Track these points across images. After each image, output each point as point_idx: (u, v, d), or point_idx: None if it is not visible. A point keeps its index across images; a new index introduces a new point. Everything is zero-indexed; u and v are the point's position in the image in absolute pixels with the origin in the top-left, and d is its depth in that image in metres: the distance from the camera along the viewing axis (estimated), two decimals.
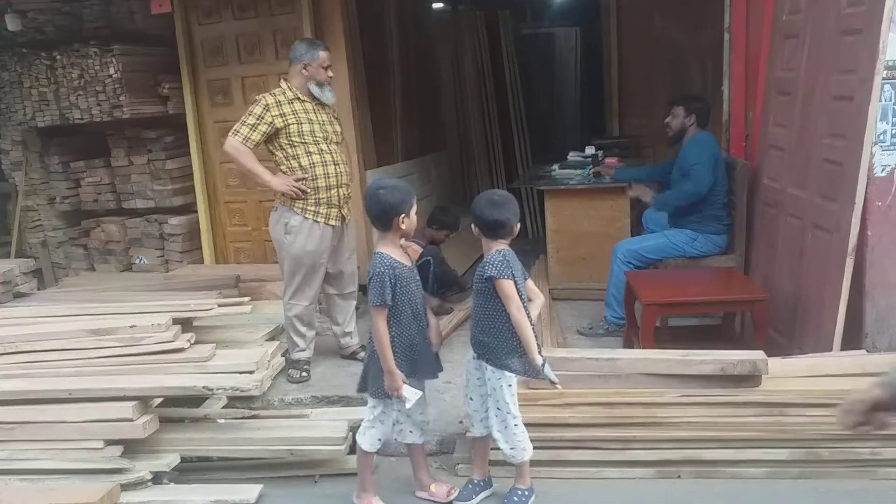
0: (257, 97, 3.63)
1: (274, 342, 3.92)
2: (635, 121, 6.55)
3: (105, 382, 2.96)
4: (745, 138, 4.27)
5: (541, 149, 7.43)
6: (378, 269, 2.49)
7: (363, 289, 4.96)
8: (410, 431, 2.67)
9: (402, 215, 2.53)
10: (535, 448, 2.62)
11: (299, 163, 3.60)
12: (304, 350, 3.80)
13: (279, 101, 3.58)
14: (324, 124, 3.71)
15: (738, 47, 4.24)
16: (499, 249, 2.53)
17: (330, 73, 3.73)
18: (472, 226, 2.60)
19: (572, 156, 5.47)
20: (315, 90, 3.67)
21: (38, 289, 4.88)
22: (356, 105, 5.05)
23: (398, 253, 2.59)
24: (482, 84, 7.42)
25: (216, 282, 4.66)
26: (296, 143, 3.58)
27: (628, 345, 3.65)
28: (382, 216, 2.54)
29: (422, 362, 2.61)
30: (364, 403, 3.12)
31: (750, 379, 2.78)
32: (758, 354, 2.79)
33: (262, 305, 4.46)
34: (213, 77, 5.21)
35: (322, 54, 3.68)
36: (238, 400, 3.41)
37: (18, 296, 4.27)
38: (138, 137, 5.41)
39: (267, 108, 3.54)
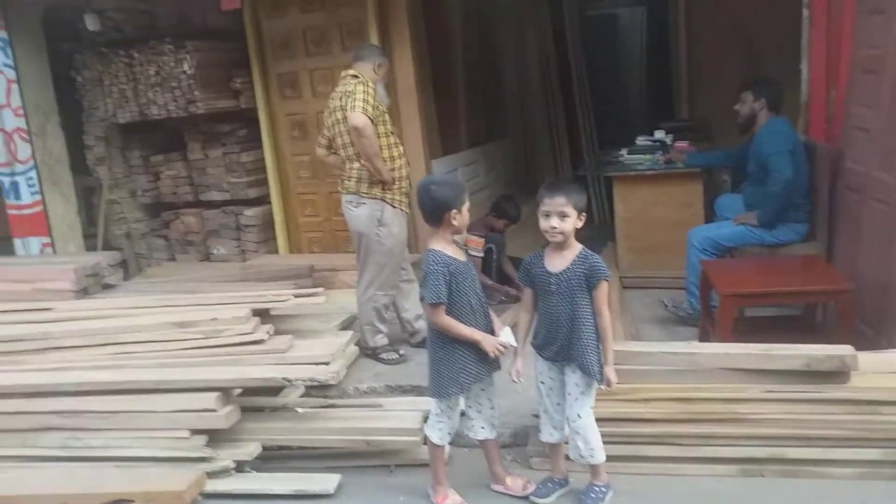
0: (360, 80, 3.68)
1: (348, 332, 3.99)
2: (706, 102, 6.33)
3: (190, 374, 3.08)
4: (826, 120, 4.08)
5: (606, 133, 7.28)
6: (432, 267, 2.48)
7: None
8: (482, 427, 2.68)
9: (454, 210, 2.51)
10: (611, 443, 2.60)
11: (390, 152, 3.72)
12: (385, 334, 3.90)
13: (374, 92, 3.67)
14: (390, 120, 3.86)
15: (819, 24, 4.04)
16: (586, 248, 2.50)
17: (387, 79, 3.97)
18: (570, 206, 2.43)
19: (641, 140, 5.35)
20: (381, 91, 3.84)
21: (124, 279, 5.10)
22: (421, 94, 5.07)
23: (451, 249, 2.56)
24: (545, 69, 7.31)
25: (291, 271, 4.78)
26: (382, 134, 3.69)
27: (704, 336, 3.57)
28: (435, 212, 2.53)
29: (489, 358, 2.59)
30: None
31: (838, 375, 2.68)
32: (846, 349, 2.68)
33: (334, 294, 4.56)
34: (282, 71, 5.31)
35: (388, 63, 3.98)
36: (314, 388, 3.50)
37: (107, 287, 4.48)
38: (213, 131, 5.57)
39: (371, 94, 3.64)
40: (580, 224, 2.47)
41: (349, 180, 3.82)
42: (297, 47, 5.22)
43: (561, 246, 2.48)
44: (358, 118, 3.56)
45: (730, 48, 6.06)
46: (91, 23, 5.53)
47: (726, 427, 2.73)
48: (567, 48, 7.25)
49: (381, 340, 3.93)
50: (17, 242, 5.38)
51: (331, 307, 4.25)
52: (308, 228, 5.60)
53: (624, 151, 5.09)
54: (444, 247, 2.54)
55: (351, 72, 3.79)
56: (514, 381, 2.60)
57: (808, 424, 2.68)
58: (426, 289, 2.48)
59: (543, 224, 2.45)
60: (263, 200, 5.62)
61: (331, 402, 3.39)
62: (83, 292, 4.28)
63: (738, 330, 3.34)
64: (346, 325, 4.12)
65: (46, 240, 5.40)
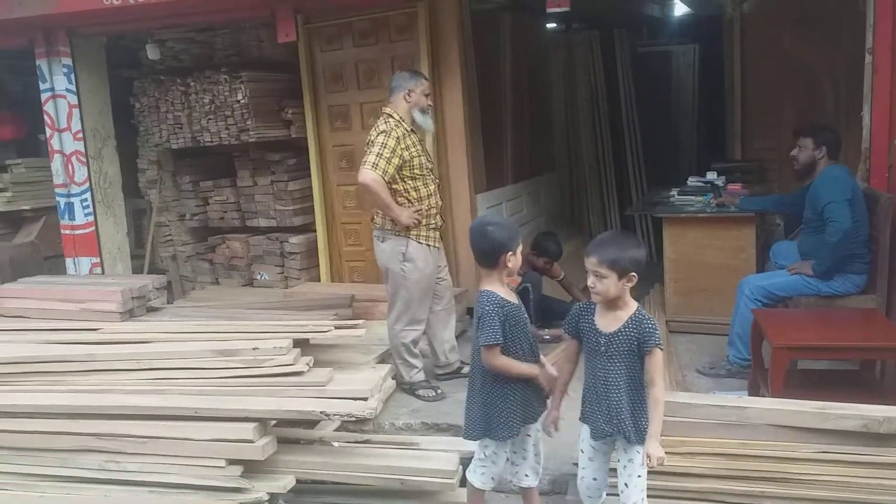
0: (383, 129, 3.68)
1: (385, 365, 3.97)
2: (760, 144, 6.21)
3: (230, 403, 3.08)
4: (889, 168, 3.94)
5: (655, 172, 7.19)
6: (487, 308, 2.43)
7: (470, 312, 5.04)
8: (527, 475, 2.61)
9: (510, 253, 2.47)
10: (654, 497, 2.50)
11: (418, 193, 3.70)
12: (420, 370, 3.87)
13: (403, 134, 3.66)
14: (425, 154, 3.85)
15: (883, 70, 3.92)
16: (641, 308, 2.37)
17: (429, 101, 3.86)
18: (605, 267, 2.28)
19: (692, 181, 5.25)
20: (418, 117, 3.78)
21: (169, 301, 5.19)
22: (468, 128, 5.08)
23: (504, 291, 2.51)
24: (595, 104, 7.28)
25: (332, 301, 4.79)
26: (416, 176, 3.69)
27: (754, 389, 3.43)
28: (490, 253, 2.48)
29: (537, 402, 2.54)
30: None
31: None
32: None
33: (373, 326, 4.55)
34: (334, 102, 5.38)
35: (424, 82, 3.83)
36: (351, 422, 3.47)
37: (151, 310, 4.55)
38: (263, 159, 5.67)
39: (398, 140, 3.63)
40: (629, 284, 2.30)
41: (377, 215, 3.84)
42: (349, 80, 5.30)
43: (613, 304, 2.34)
44: (364, 175, 3.57)
45: (786, 88, 5.94)
46: (152, 52, 5.72)
47: (776, 487, 2.60)
48: (618, 84, 7.21)
49: (418, 376, 3.91)
50: (69, 262, 5.53)
51: (370, 338, 4.23)
52: (350, 257, 5.63)
53: (674, 192, 4.99)
54: (497, 288, 2.49)
55: (386, 109, 3.79)
56: (550, 435, 2.52)
57: (863, 489, 2.53)
58: (482, 331, 2.41)
59: (587, 280, 2.37)
60: (308, 228, 5.68)
61: (366, 437, 3.35)
62: (129, 314, 4.35)
63: (789, 383, 3.20)
64: (383, 358, 4.10)
65: (96, 260, 5.54)
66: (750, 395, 3.41)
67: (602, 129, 7.26)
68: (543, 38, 7.20)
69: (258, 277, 5.82)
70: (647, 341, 2.28)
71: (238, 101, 5.37)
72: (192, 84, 5.55)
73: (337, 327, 3.84)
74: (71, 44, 5.32)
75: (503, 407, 2.46)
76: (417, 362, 3.88)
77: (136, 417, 3.12)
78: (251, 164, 5.74)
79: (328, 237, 5.60)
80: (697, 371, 3.93)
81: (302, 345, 3.58)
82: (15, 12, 4.88)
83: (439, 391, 3.85)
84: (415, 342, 3.86)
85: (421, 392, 3.84)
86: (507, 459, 2.59)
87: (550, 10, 4.30)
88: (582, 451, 2.51)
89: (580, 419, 2.48)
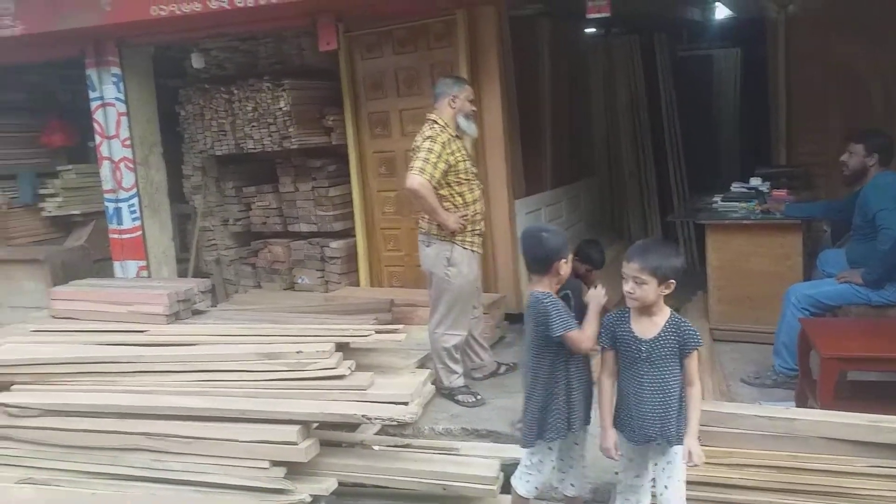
0: (429, 134, 3.72)
1: (425, 370, 3.96)
2: (805, 149, 6.06)
3: (273, 405, 3.12)
4: None
5: (697, 177, 7.09)
6: (548, 302, 2.43)
7: (509, 317, 5.03)
8: (572, 484, 2.60)
9: (563, 260, 2.49)
10: None
11: (464, 199, 3.72)
12: (460, 375, 3.88)
13: (448, 139, 3.69)
14: (470, 159, 3.89)
15: None
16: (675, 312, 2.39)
17: (474, 107, 3.91)
18: (647, 274, 2.29)
19: (736, 187, 5.16)
20: (463, 122, 3.81)
21: (212, 304, 5.28)
22: (508, 135, 5.08)
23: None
24: (635, 109, 7.21)
25: (371, 305, 4.83)
26: (462, 181, 3.72)
27: (801, 400, 3.36)
28: (544, 259, 2.50)
29: (582, 406, 2.53)
30: (515, 441, 3.10)
31: None
32: None
33: (412, 330, 4.54)
34: (374, 109, 5.43)
35: (468, 88, 3.88)
36: (391, 426, 3.49)
37: (196, 312, 4.63)
38: (304, 166, 5.75)
39: (444, 145, 3.66)
40: (666, 291, 2.32)
41: (422, 220, 3.88)
42: (389, 87, 5.35)
43: (648, 310, 2.35)
44: (412, 180, 3.60)
45: (833, 91, 5.81)
46: (197, 61, 5.84)
47: (827, 501, 2.55)
48: (658, 89, 7.14)
49: (457, 381, 3.91)
50: (117, 265, 5.67)
51: (409, 343, 4.23)
52: (389, 262, 5.67)
53: (717, 198, 4.92)
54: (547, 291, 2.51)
55: (431, 115, 3.83)
56: (615, 458, 2.47)
57: None
58: (555, 323, 2.39)
59: (623, 286, 2.35)
60: (348, 233, 5.74)
61: (407, 441, 3.37)
62: (174, 316, 4.43)
63: (839, 394, 3.12)
64: (423, 363, 4.12)
65: (143, 263, 5.66)
66: (797, 406, 3.34)
67: (642, 134, 7.19)
68: (582, 44, 7.17)
69: (299, 281, 5.89)
70: (688, 343, 2.31)
71: (280, 109, 5.46)
72: (235, 92, 5.66)
73: (377, 332, 3.87)
74: (120, 54, 5.46)
75: (552, 408, 2.46)
76: (458, 367, 3.90)
77: (183, 418, 3.19)
78: (293, 171, 5.83)
79: (367, 242, 5.65)
80: (742, 380, 3.86)
81: (343, 348, 3.61)
82: (67, 23, 5.03)
83: (479, 397, 3.85)
84: (456, 347, 3.88)
85: (460, 397, 3.85)
86: (554, 467, 2.57)
87: (591, 16, 4.29)
88: (621, 455, 2.50)
89: (615, 425, 2.47)
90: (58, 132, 6.68)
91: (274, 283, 6.04)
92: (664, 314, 2.36)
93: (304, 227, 5.84)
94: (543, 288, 2.51)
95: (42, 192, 6.55)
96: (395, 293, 5.27)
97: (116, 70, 5.49)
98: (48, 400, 3.37)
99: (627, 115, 7.23)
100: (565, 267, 2.50)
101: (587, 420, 2.56)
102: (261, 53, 5.84)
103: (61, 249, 6.21)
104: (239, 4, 4.55)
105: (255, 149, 5.68)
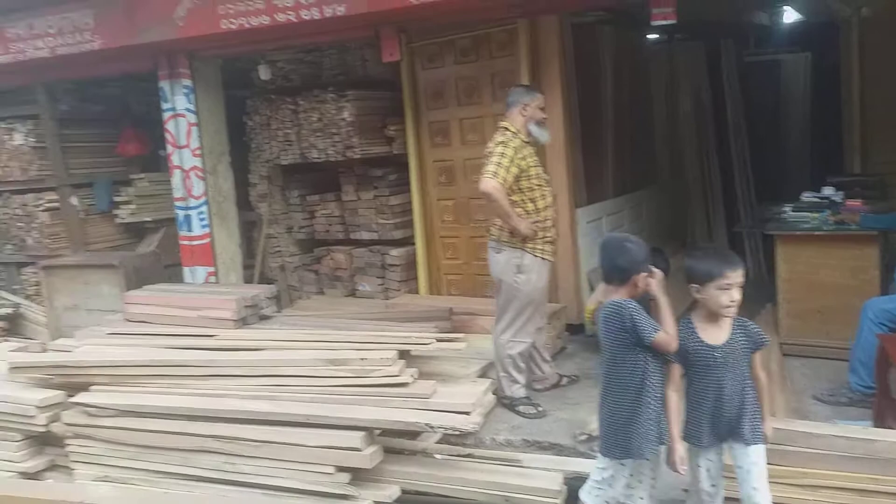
0: (500, 140, 3.75)
1: (486, 379, 3.98)
2: (881, 157, 5.82)
3: (338, 411, 3.18)
4: None
5: (764, 186, 6.89)
6: (632, 306, 2.40)
7: (570, 328, 4.98)
8: (641, 498, 2.57)
9: (644, 273, 2.46)
10: None
11: (535, 205, 3.74)
12: (522, 385, 3.86)
13: (520, 145, 3.72)
14: (541, 166, 3.89)
15: None
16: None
17: (545, 115, 3.94)
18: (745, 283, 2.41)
19: (807, 196, 4.99)
20: (534, 130, 3.84)
21: (277, 310, 5.40)
22: (569, 145, 5.06)
23: None
24: (699, 116, 7.07)
25: (431, 313, 4.85)
26: (534, 187, 3.74)
27: (879, 420, 3.22)
28: (626, 270, 2.46)
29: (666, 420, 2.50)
30: (577, 454, 3.08)
31: None
32: None
33: (471, 339, 4.56)
34: (434, 119, 5.49)
35: (539, 96, 3.92)
36: (452, 435, 3.50)
37: (263, 318, 4.76)
38: (366, 175, 5.85)
39: (516, 150, 3.70)
40: None
41: (493, 227, 3.89)
42: (449, 97, 5.39)
43: (716, 316, 2.39)
44: (485, 184, 3.63)
45: None
46: (264, 73, 6.01)
47: None
48: (723, 96, 6.98)
49: (519, 391, 3.90)
50: (186, 271, 5.85)
51: (468, 352, 4.24)
52: (448, 271, 5.70)
53: (787, 208, 4.77)
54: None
55: (503, 123, 3.86)
56: (683, 473, 2.46)
57: None
58: (645, 329, 2.37)
59: (723, 299, 2.33)
60: (408, 241, 5.80)
61: (468, 451, 3.38)
62: (242, 321, 4.56)
63: None
64: (483, 373, 4.12)
65: (211, 269, 5.82)
66: (875, 425, 3.19)
67: (707, 142, 7.03)
68: (645, 50, 7.07)
69: (360, 288, 5.98)
70: (759, 341, 2.41)
71: (344, 119, 5.56)
72: (300, 103, 5.79)
73: (438, 340, 3.90)
74: (191, 66, 5.64)
75: (641, 422, 2.43)
76: (521, 377, 3.89)
77: (251, 422, 3.27)
78: (355, 180, 5.92)
79: (427, 250, 5.70)
80: (814, 398, 3.73)
81: (403, 356, 3.64)
82: (143, 38, 5.24)
83: (540, 408, 3.83)
84: (521, 355, 3.87)
85: (521, 408, 3.83)
86: (626, 483, 2.54)
87: (656, 23, 4.23)
88: (698, 466, 2.47)
89: (684, 438, 2.45)
90: (132, 142, 6.95)
91: (336, 290, 6.14)
92: (727, 317, 2.40)
93: (365, 235, 5.93)
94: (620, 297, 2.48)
95: (116, 199, 6.82)
96: (454, 301, 5.29)
97: (188, 82, 5.67)
98: (123, 401, 3.50)
99: (691, 122, 7.08)
100: (643, 281, 2.47)
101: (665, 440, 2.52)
102: (325, 65, 5.97)
103: (134, 255, 6.46)
104: (305, 17, 4.66)
105: (319, 158, 5.79)
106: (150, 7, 5.10)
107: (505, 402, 3.93)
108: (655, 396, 2.44)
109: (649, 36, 7.18)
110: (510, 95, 3.95)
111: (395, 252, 5.78)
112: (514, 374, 3.87)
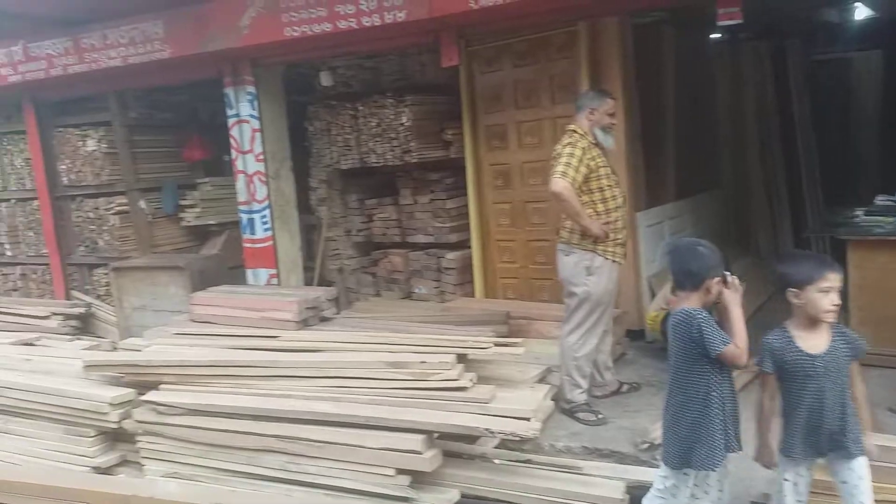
0: (568, 141, 3.75)
1: (544, 385, 3.96)
2: None
3: (399, 413, 3.21)
4: None
5: (832, 190, 6.65)
6: (702, 316, 2.35)
7: (630, 334, 4.91)
8: None
9: (716, 279, 2.39)
10: None
11: (606, 206, 3.72)
12: (584, 391, 3.83)
13: (588, 146, 3.71)
14: (610, 166, 3.86)
15: None
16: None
17: (613, 120, 3.88)
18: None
19: (881, 200, 4.81)
20: (599, 135, 3.82)
21: (336, 312, 5.49)
22: (630, 148, 4.99)
23: None
24: (764, 117, 6.87)
25: (487, 317, 4.85)
26: (604, 187, 3.73)
27: None
28: (697, 275, 2.41)
29: (733, 428, 2.46)
30: (639, 463, 3.03)
31: None
32: None
33: (529, 344, 4.52)
34: (491, 123, 5.49)
35: (609, 101, 3.87)
36: (511, 440, 3.49)
37: (323, 319, 4.84)
38: (423, 179, 5.89)
39: (584, 150, 3.70)
40: None
41: (563, 230, 3.87)
42: (507, 100, 5.38)
43: (815, 324, 2.31)
44: (555, 184, 3.62)
45: None
46: (325, 79, 6.11)
47: None
48: (789, 96, 6.77)
49: (580, 397, 3.86)
50: (249, 273, 6.00)
51: (526, 357, 4.22)
52: (504, 274, 5.68)
53: (860, 212, 4.61)
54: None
55: (570, 126, 3.85)
56: (771, 468, 2.47)
57: None
58: (714, 341, 2.32)
59: (824, 302, 2.27)
60: (464, 245, 5.81)
61: (527, 457, 3.36)
62: (303, 323, 4.64)
63: None
64: (541, 378, 4.09)
65: (273, 271, 5.96)
66: None
67: (772, 144, 6.83)
68: (707, 50, 6.91)
69: (416, 291, 6.03)
70: (860, 350, 2.35)
71: (402, 124, 5.61)
72: (360, 108, 5.87)
73: (496, 344, 3.89)
74: (254, 73, 5.80)
75: (707, 432, 2.38)
76: (584, 382, 3.85)
77: (314, 422, 3.33)
78: (412, 183, 5.97)
79: (483, 254, 5.70)
80: (890, 409, 3.58)
81: (461, 359, 3.65)
82: (208, 47, 5.41)
83: (600, 416, 3.78)
84: (587, 357, 3.83)
85: (581, 415, 3.80)
86: (691, 494, 2.49)
87: (722, 23, 4.13)
88: (786, 480, 2.41)
89: (783, 452, 2.40)
90: (197, 147, 7.17)
91: (392, 292, 6.21)
92: (825, 325, 2.32)
93: (421, 238, 5.97)
94: (692, 305, 2.43)
95: (182, 203, 7.04)
96: (510, 305, 5.27)
97: (251, 88, 5.82)
98: (191, 400, 3.61)
99: (756, 124, 6.89)
100: (715, 287, 2.40)
101: (739, 445, 2.47)
102: (384, 70, 6.03)
103: (199, 257, 6.65)
104: (366, 24, 4.72)
105: (377, 163, 5.86)
106: (218, 16, 5.25)
107: (564, 409, 3.89)
108: (721, 408, 2.39)
109: (713, 35, 7.02)
110: (580, 99, 3.96)
111: (450, 255, 5.80)
112: (578, 378, 3.83)
